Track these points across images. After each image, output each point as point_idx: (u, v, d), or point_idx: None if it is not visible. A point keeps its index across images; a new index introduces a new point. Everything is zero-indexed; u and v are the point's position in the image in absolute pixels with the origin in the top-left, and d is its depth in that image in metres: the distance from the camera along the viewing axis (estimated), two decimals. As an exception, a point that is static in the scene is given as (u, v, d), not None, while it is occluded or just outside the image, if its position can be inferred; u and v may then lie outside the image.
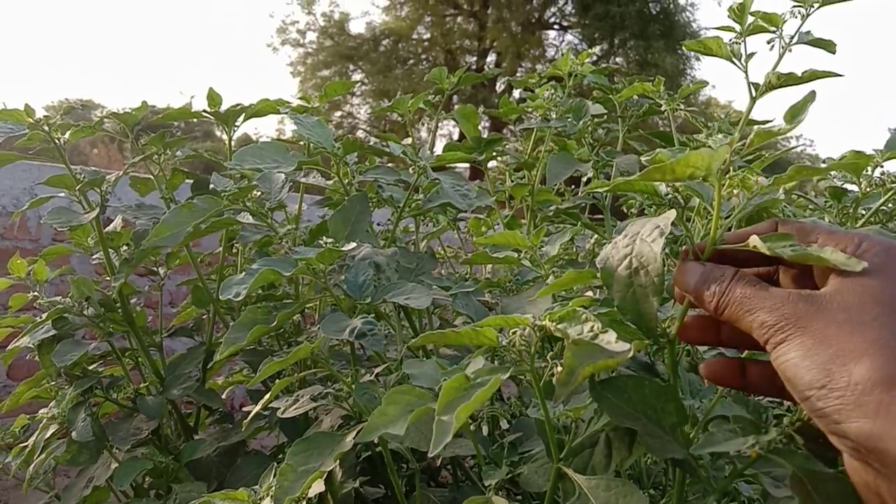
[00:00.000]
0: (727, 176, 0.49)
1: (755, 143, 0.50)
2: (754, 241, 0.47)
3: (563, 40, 17.94)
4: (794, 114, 0.58)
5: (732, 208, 0.53)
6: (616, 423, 0.57)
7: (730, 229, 0.53)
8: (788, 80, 0.97)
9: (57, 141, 1.08)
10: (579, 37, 17.27)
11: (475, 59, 17.43)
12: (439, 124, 1.44)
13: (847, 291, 0.43)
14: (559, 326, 0.49)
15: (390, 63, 17.72)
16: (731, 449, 0.54)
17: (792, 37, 0.98)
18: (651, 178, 0.48)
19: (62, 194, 1.15)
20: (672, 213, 0.53)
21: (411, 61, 18.21)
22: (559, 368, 0.53)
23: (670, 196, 0.63)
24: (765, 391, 0.52)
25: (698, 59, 16.69)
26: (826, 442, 0.48)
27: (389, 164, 1.13)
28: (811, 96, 0.59)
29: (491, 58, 17.51)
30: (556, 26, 18.01)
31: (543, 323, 0.51)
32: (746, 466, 0.57)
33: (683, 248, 0.53)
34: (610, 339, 0.47)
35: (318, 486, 0.70)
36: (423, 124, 1.38)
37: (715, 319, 0.52)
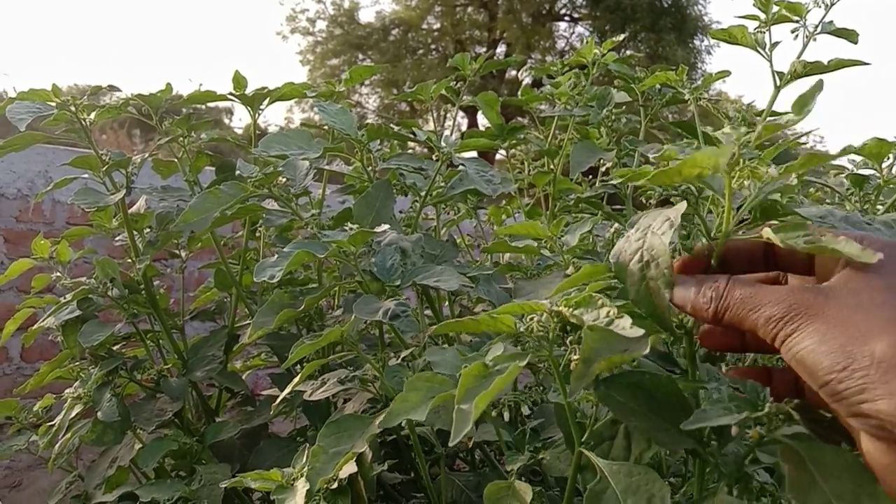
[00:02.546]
0: (737, 169, 0.48)
1: (763, 136, 0.49)
2: (767, 232, 0.46)
3: (573, 32, 17.85)
4: (803, 104, 0.57)
5: (745, 198, 0.52)
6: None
7: (742, 221, 0.53)
8: (814, 68, 0.97)
9: (83, 122, 1.08)
10: (590, 29, 17.18)
11: (485, 49, 17.36)
12: (447, 115, 1.44)
13: (854, 280, 0.43)
14: (575, 313, 0.50)
15: (400, 53, 17.66)
16: (722, 423, 0.53)
17: (816, 26, 0.98)
18: (658, 182, 0.48)
19: (85, 175, 1.16)
20: (683, 206, 0.52)
21: (421, 51, 18.15)
22: (576, 356, 0.54)
23: (683, 187, 0.63)
24: (790, 396, 0.52)
25: (710, 52, 16.61)
26: (833, 425, 0.48)
27: (410, 152, 1.13)
28: (818, 85, 0.58)
29: (501, 49, 17.44)
30: (566, 18, 17.91)
31: (560, 309, 0.51)
32: (752, 449, 0.57)
33: (679, 258, 0.53)
34: (625, 325, 0.47)
35: (349, 468, 0.71)
36: (431, 116, 1.38)
37: None
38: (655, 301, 0.50)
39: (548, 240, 0.91)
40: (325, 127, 1.22)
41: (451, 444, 0.48)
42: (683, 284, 0.50)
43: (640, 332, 0.46)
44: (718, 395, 0.61)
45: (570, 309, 0.50)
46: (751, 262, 0.52)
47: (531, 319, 0.53)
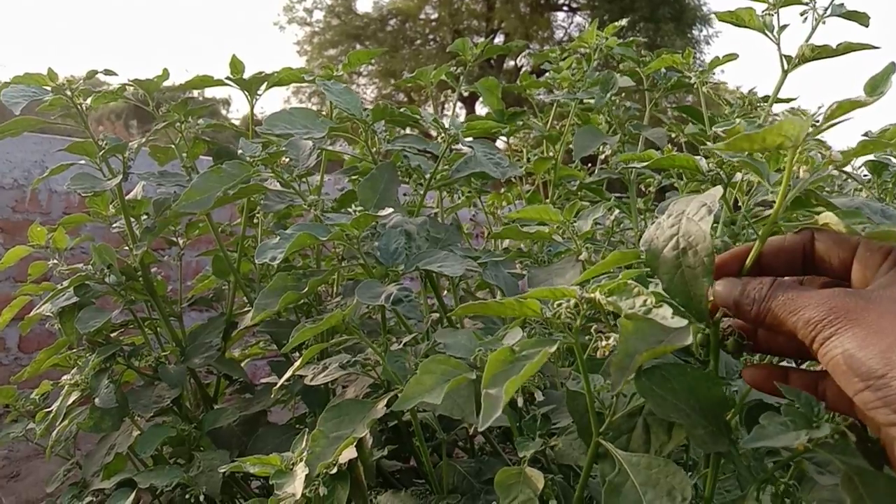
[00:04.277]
0: (801, 147, 0.46)
1: (837, 116, 0.47)
2: (827, 216, 0.45)
3: (571, 22, 17.77)
4: (875, 85, 0.55)
5: (776, 182, 0.51)
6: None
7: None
8: (822, 52, 0.95)
9: (79, 106, 1.06)
10: (588, 18, 17.09)
11: (483, 39, 17.29)
12: (445, 105, 1.43)
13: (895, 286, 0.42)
14: (610, 299, 0.48)
15: (397, 43, 17.57)
16: (783, 444, 0.52)
17: (826, 8, 0.96)
18: (738, 147, 0.46)
19: (82, 161, 1.14)
20: (719, 190, 0.51)
21: (418, 41, 18.06)
22: (604, 343, 0.52)
23: (713, 173, 0.61)
24: None
25: (708, 42, 16.55)
26: (876, 445, 0.47)
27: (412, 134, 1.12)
28: (891, 67, 0.56)
29: (499, 39, 17.32)
30: (565, 8, 17.83)
31: (592, 295, 0.49)
32: (792, 458, 0.56)
33: (721, 254, 0.51)
34: (665, 314, 0.45)
35: (349, 453, 0.70)
36: (431, 105, 1.36)
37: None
38: (692, 290, 0.49)
39: (560, 225, 0.90)
40: (324, 113, 1.21)
41: (480, 430, 0.46)
42: (729, 283, 0.49)
43: (683, 322, 0.44)
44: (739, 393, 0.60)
45: (605, 296, 0.49)
46: (789, 263, 0.50)
47: (559, 305, 0.51)
